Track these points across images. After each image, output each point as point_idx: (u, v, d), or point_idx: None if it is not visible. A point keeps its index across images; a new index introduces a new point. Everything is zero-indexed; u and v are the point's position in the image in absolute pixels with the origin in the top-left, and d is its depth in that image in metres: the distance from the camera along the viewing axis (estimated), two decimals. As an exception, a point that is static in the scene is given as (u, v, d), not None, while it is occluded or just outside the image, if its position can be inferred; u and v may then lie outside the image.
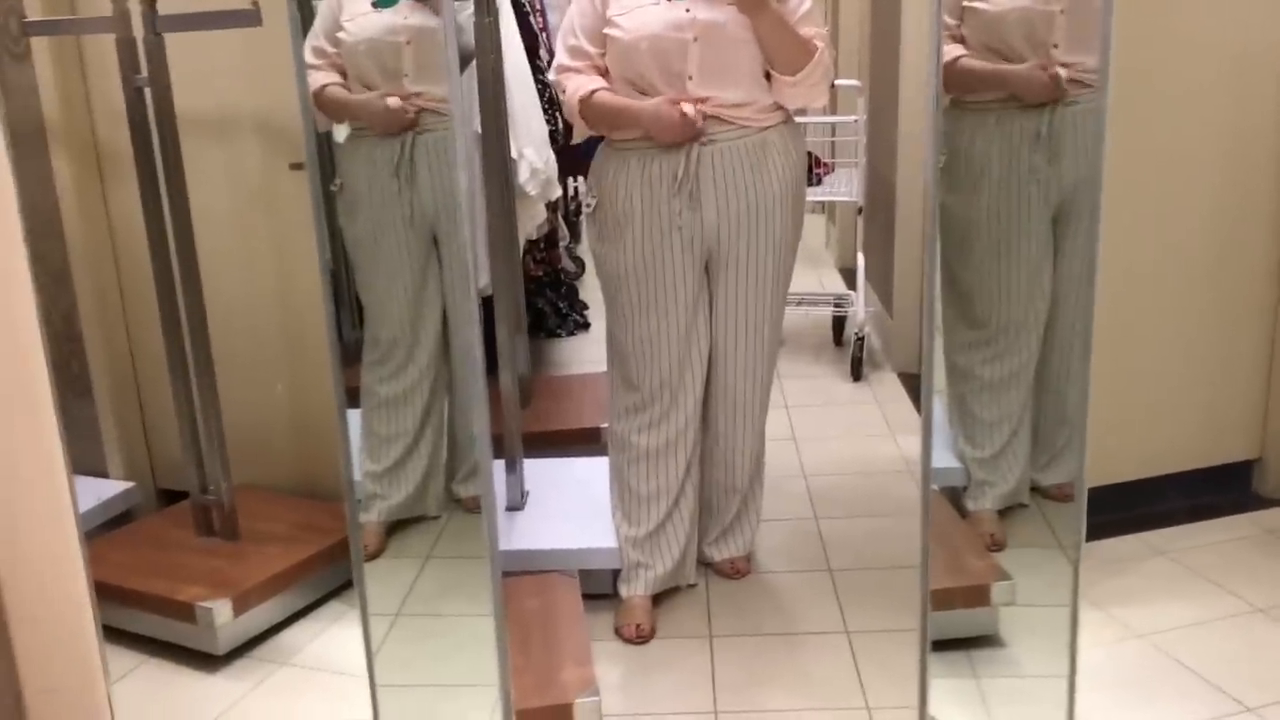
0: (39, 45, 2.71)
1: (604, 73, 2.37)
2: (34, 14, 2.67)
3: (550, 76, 2.54)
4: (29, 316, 1.35)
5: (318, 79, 2.35)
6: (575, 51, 2.39)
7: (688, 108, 2.25)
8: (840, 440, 3.54)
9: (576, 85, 2.36)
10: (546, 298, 4.69)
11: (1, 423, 1.29)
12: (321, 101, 2.36)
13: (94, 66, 2.79)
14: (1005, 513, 2.58)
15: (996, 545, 2.54)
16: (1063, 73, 2.24)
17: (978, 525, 2.56)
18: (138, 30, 2.44)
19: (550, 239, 4.56)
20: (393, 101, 2.31)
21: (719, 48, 2.27)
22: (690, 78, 2.27)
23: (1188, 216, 2.73)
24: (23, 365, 1.31)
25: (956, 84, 2.34)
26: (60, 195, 2.80)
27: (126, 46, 2.45)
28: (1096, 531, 2.65)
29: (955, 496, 2.59)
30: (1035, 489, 2.61)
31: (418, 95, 2.30)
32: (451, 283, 2.56)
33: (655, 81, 2.30)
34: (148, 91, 2.47)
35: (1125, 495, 2.79)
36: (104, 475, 2.96)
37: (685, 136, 2.29)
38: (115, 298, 2.94)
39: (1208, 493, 2.91)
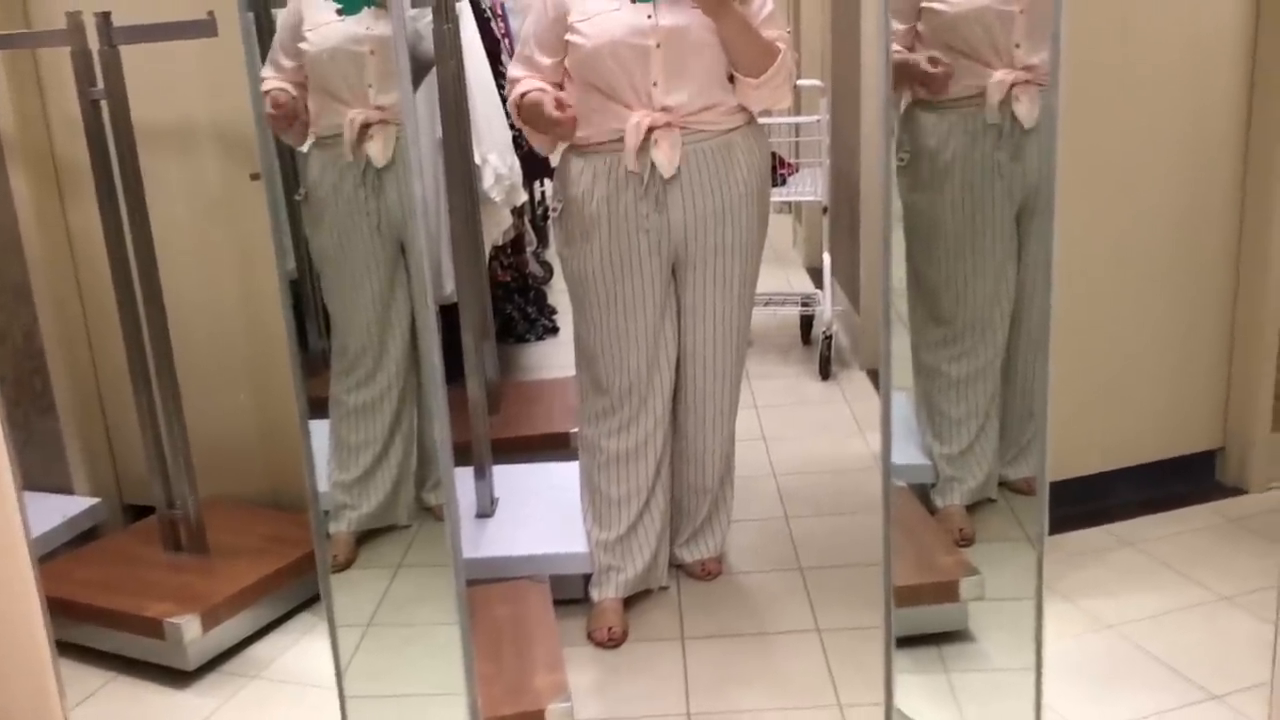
0: (-7, 57, 2.69)
1: (560, 81, 2.37)
2: (-13, 28, 2.65)
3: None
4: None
5: (267, 85, 2.33)
6: (525, 61, 2.40)
7: (552, 111, 2.27)
8: (810, 439, 3.55)
9: (514, 92, 2.38)
10: (514, 303, 4.68)
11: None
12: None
13: (50, 79, 2.76)
14: (973, 507, 2.60)
15: (965, 540, 2.55)
16: (1009, 77, 2.25)
17: (946, 521, 2.58)
18: (93, 42, 2.42)
19: (517, 244, 4.55)
20: (355, 124, 2.30)
21: (682, 52, 2.27)
22: (655, 84, 2.27)
23: (1146, 209, 2.76)
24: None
25: (901, 80, 2.36)
26: (18, 210, 2.78)
27: (82, 59, 2.43)
28: (1062, 524, 2.68)
29: (924, 493, 2.61)
30: (1003, 483, 2.63)
31: (380, 109, 2.29)
32: (415, 288, 2.56)
33: (620, 88, 2.29)
34: (105, 104, 2.45)
35: (1090, 487, 2.81)
36: (69, 492, 2.94)
37: (558, 137, 2.35)
38: (76, 312, 2.91)
39: (1172, 483, 2.93)
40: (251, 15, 2.04)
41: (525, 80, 2.39)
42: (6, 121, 2.73)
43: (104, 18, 2.40)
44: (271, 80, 2.32)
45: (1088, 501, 2.81)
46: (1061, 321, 1.86)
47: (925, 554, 2.46)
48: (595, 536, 2.56)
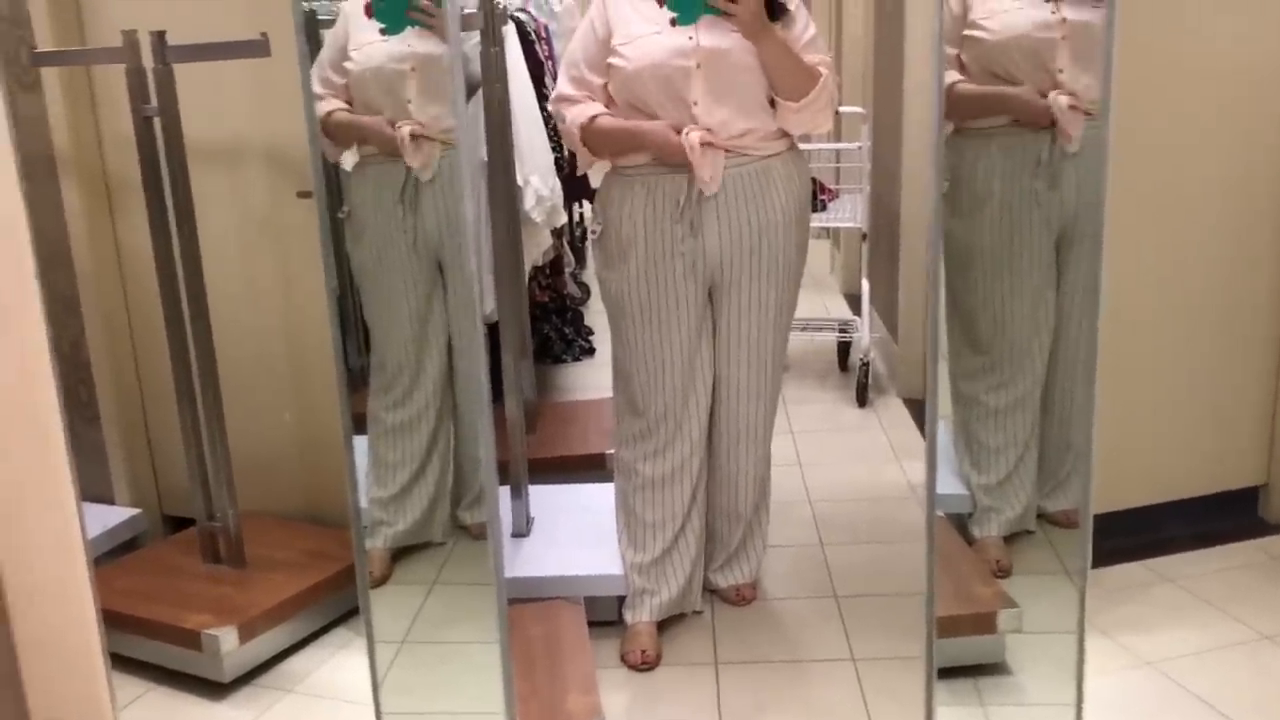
0: (49, 75, 2.74)
1: (607, 102, 2.39)
2: (44, 44, 2.70)
3: (550, 106, 2.55)
4: (40, 345, 1.35)
5: (324, 107, 2.38)
6: (577, 81, 2.40)
7: (692, 138, 2.26)
8: (846, 466, 3.54)
9: (577, 112, 2.38)
10: (552, 323, 4.70)
11: (12, 450, 1.30)
12: (328, 127, 2.39)
13: (103, 96, 2.81)
14: (1011, 539, 2.58)
15: (1003, 571, 2.53)
16: (1063, 100, 2.25)
17: (984, 551, 2.56)
18: (147, 61, 2.46)
19: (556, 265, 4.58)
20: (402, 132, 2.33)
21: (723, 74, 2.28)
22: (695, 103, 2.28)
23: (1192, 242, 2.73)
24: (33, 393, 1.32)
25: (955, 109, 2.36)
26: (69, 224, 2.83)
27: (136, 76, 2.47)
28: (1103, 558, 2.65)
29: (961, 523, 2.59)
30: (1041, 515, 2.61)
31: (422, 125, 2.32)
32: (457, 309, 2.58)
33: (660, 109, 2.31)
34: (157, 121, 2.49)
35: (1132, 521, 2.78)
36: (110, 502, 2.97)
37: (684, 160, 2.30)
38: (123, 325, 2.95)
39: (1214, 519, 2.90)
40: (304, 37, 2.08)
41: (582, 106, 2.38)
42: (61, 137, 2.78)
43: (159, 37, 2.44)
44: (326, 104, 2.37)
45: (1128, 535, 2.78)
46: (1104, 352, 1.84)
47: (962, 585, 2.44)
48: (630, 559, 2.56)
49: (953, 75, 2.34)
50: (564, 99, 2.42)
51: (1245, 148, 2.73)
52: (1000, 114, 2.36)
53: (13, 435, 1.28)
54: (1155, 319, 2.73)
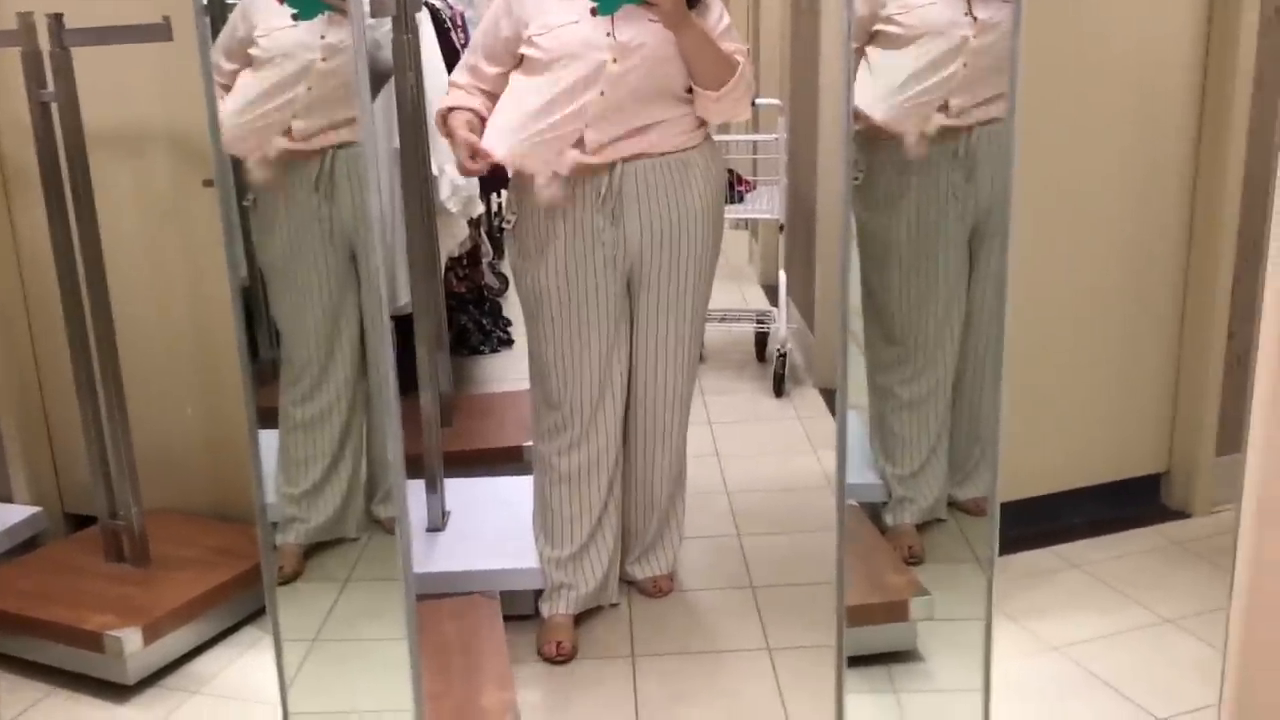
0: (-61, 57, 2.64)
1: (497, 93, 2.37)
2: (-65, 26, 2.60)
3: None
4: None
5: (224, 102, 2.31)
6: (471, 70, 2.40)
7: (466, 159, 2.28)
8: (763, 456, 3.56)
9: (442, 100, 2.40)
10: (470, 314, 4.66)
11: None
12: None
13: (-2, 79, 2.71)
14: (923, 527, 2.62)
15: (915, 557, 2.57)
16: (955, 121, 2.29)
17: (897, 540, 2.60)
18: (44, 44, 2.38)
19: (473, 255, 4.53)
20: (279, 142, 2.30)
21: (637, 68, 2.26)
22: (602, 93, 2.26)
23: (1095, 232, 2.79)
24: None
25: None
26: (-38, 212, 2.73)
27: (32, 60, 2.39)
28: (1011, 545, 2.70)
29: (875, 512, 2.62)
30: (952, 503, 2.65)
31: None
32: (369, 301, 2.54)
33: (562, 96, 2.28)
34: (54, 107, 2.41)
35: (1038, 509, 2.84)
36: (9, 500, 2.88)
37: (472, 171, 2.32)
38: (21, 316, 2.86)
39: (1118, 505, 2.97)
40: (208, 21, 2.02)
41: (459, 94, 2.39)
42: (-48, 122, 2.68)
43: (56, 19, 2.36)
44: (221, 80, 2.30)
45: (1035, 523, 2.84)
46: (1010, 343, 1.88)
47: (875, 573, 2.47)
48: (546, 554, 2.54)
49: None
50: (451, 84, 2.42)
51: (1147, 140, 2.79)
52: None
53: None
54: (1059, 309, 2.79)
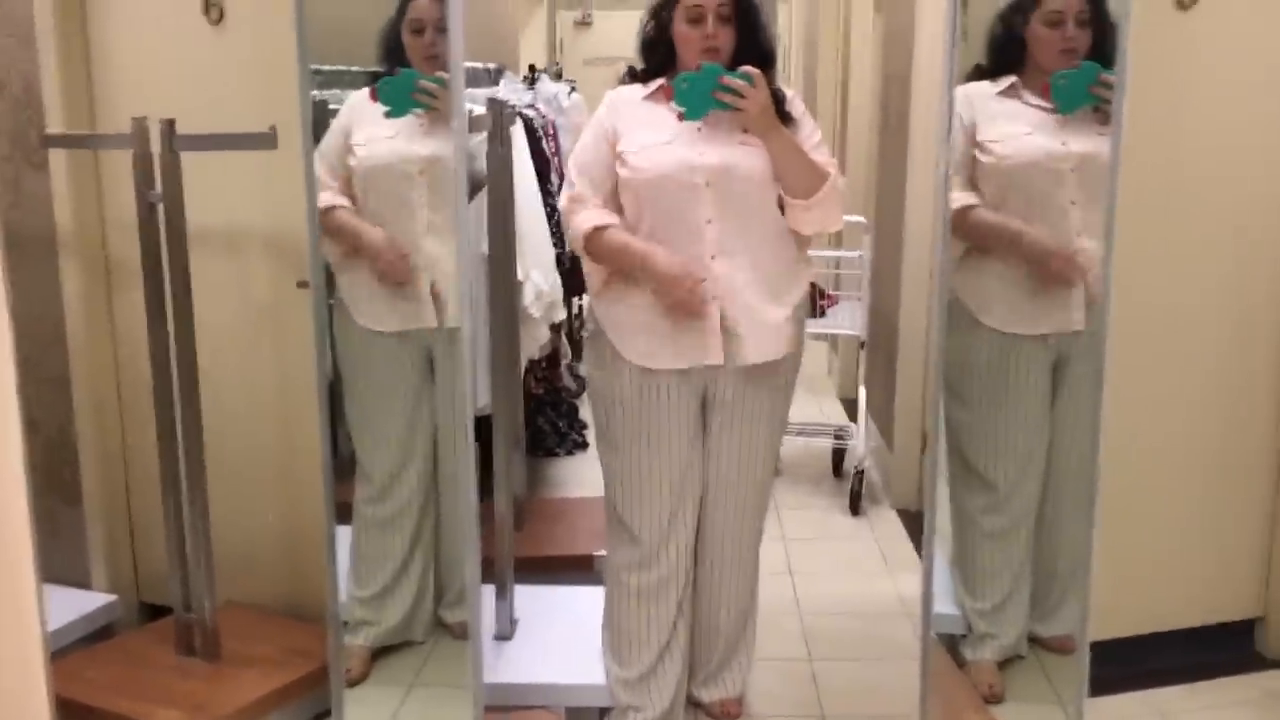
0: (56, 154, 2.75)
1: (615, 205, 2.38)
2: (55, 125, 2.72)
3: (560, 203, 2.54)
4: (10, 424, 1.30)
5: (325, 199, 2.38)
6: (588, 182, 2.39)
7: (704, 297, 2.27)
8: (837, 577, 3.49)
9: (582, 220, 2.36)
10: (546, 416, 4.67)
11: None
12: (328, 223, 2.39)
13: (109, 179, 2.82)
14: (1003, 664, 2.53)
15: (995, 697, 2.48)
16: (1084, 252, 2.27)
17: (976, 675, 2.52)
18: (155, 147, 2.47)
19: (552, 358, 4.56)
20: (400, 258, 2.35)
21: (732, 190, 2.28)
22: (709, 221, 2.27)
23: (1190, 369, 2.73)
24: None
25: (969, 234, 2.36)
26: (66, 304, 2.81)
27: (143, 163, 2.48)
28: (1096, 687, 2.58)
29: (953, 644, 2.54)
30: (1033, 639, 2.57)
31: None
32: (446, 404, 2.56)
33: (669, 220, 2.30)
34: (160, 207, 2.49)
35: (1125, 651, 2.73)
36: (87, 586, 2.91)
37: (686, 312, 2.29)
38: (114, 407, 2.92)
39: (1210, 651, 2.84)
40: (309, 132, 2.10)
41: (595, 211, 2.36)
42: (64, 218, 2.78)
43: (168, 125, 2.45)
44: (328, 194, 2.37)
45: (1120, 665, 2.72)
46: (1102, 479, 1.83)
47: (953, 710, 2.39)
48: (615, 674, 2.50)
49: (967, 197, 2.35)
50: (576, 200, 2.39)
51: (1243, 276, 2.74)
52: (1015, 254, 2.36)
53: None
54: (1152, 446, 2.71)
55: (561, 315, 3.77)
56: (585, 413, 4.87)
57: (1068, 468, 2.41)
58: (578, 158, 2.43)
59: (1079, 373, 2.36)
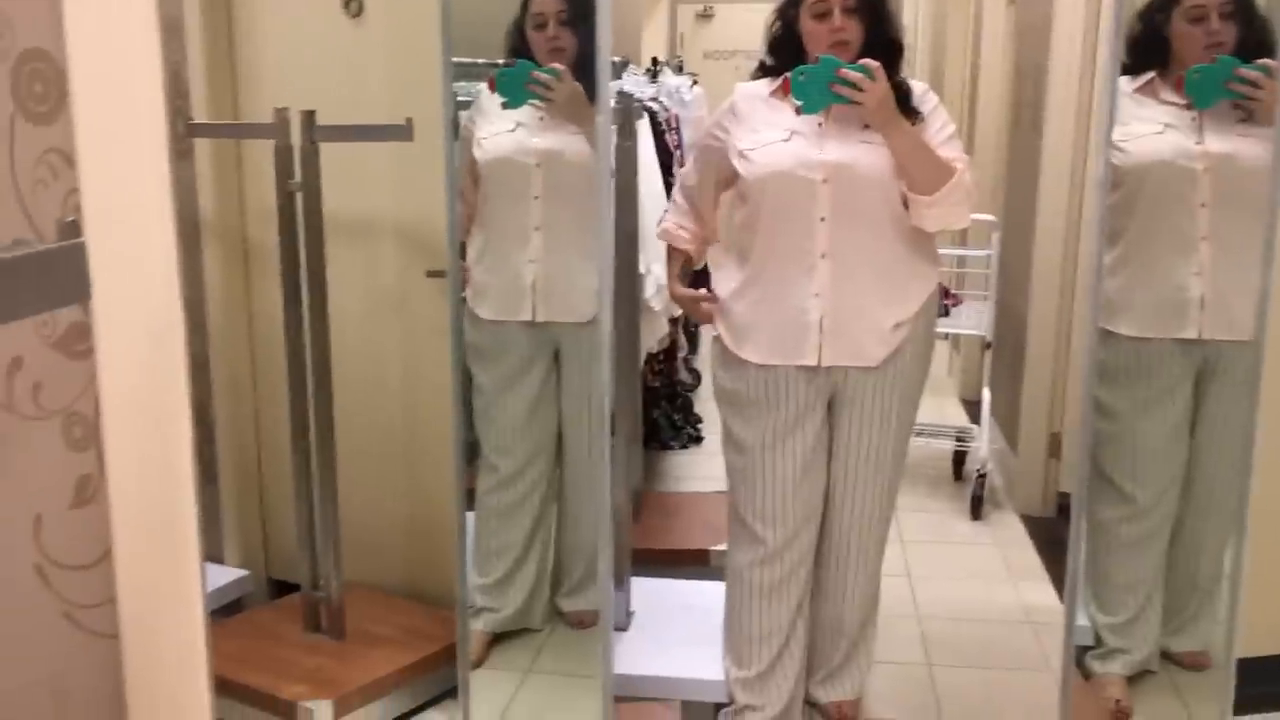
0: (200, 143, 2.85)
1: (708, 218, 2.50)
2: (200, 116, 2.81)
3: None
4: (182, 409, 1.37)
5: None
6: (685, 191, 2.52)
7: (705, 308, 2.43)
8: (957, 582, 3.42)
9: (667, 219, 2.55)
10: (662, 409, 4.68)
11: (143, 510, 1.31)
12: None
13: (250, 168, 2.91)
14: (1132, 679, 2.46)
15: (1123, 713, 2.41)
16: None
17: (1103, 690, 2.45)
18: (295, 138, 2.54)
19: (670, 350, 4.56)
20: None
21: (850, 188, 2.24)
22: (822, 219, 2.25)
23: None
24: (170, 455, 1.33)
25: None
26: (207, 289, 2.91)
27: (283, 153, 2.55)
28: (1234, 707, 2.49)
29: (1079, 656, 2.47)
30: (1164, 654, 2.48)
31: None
32: (572, 394, 2.58)
33: (784, 218, 2.28)
34: (299, 195, 2.56)
35: (1264, 670, 2.61)
36: (220, 561, 3.01)
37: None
38: (249, 389, 3.02)
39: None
40: (451, 128, 2.13)
41: (679, 215, 2.52)
42: (207, 205, 2.88)
43: (308, 116, 2.52)
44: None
45: (1260, 685, 2.61)
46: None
47: (1080, 725, 2.33)
48: (734, 674, 2.48)
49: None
50: (673, 207, 2.55)
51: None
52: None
53: (146, 498, 1.29)
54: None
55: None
56: (700, 406, 4.87)
57: (1214, 478, 2.32)
58: (687, 168, 2.53)
59: (1226, 381, 2.27)
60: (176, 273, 1.23)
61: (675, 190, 2.57)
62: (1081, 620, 2.47)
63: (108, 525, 1.19)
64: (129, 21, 1.15)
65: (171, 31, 2.77)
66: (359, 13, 2.73)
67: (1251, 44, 2.10)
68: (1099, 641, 2.46)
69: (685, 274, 2.55)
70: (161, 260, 1.21)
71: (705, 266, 2.82)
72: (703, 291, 2.45)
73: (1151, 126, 2.24)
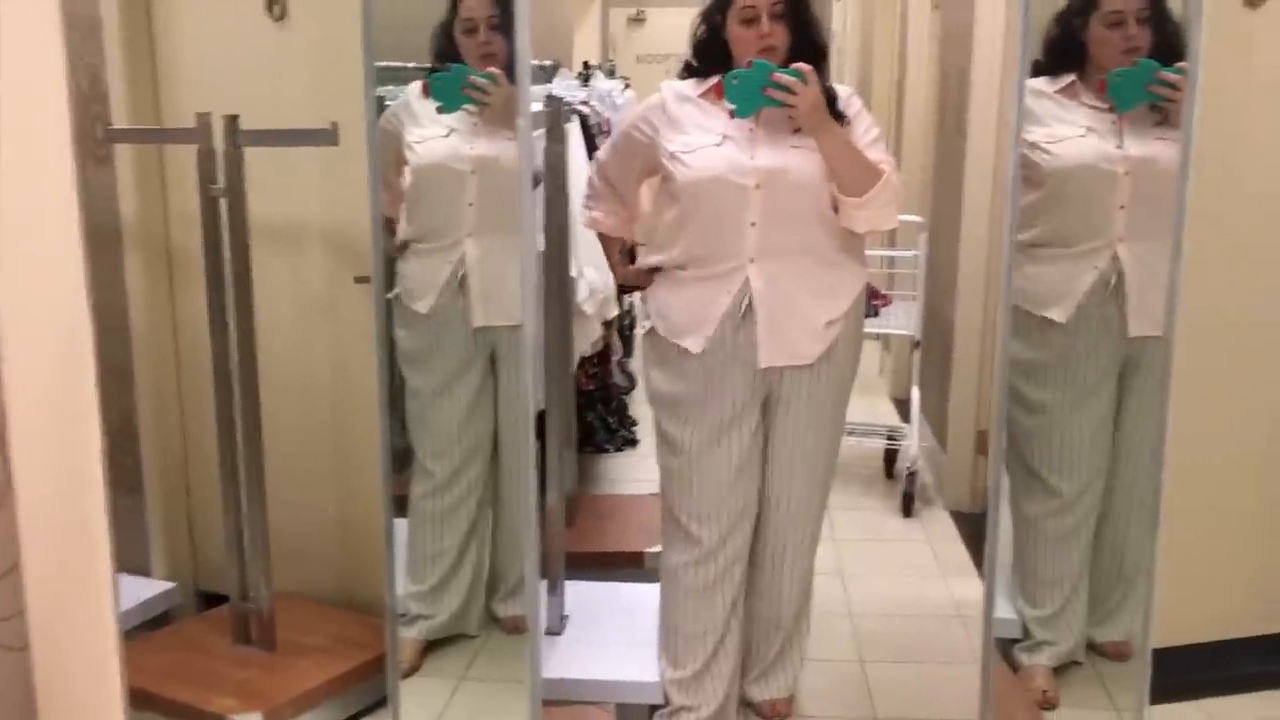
0: (121, 148, 2.79)
1: (629, 207, 2.55)
2: (120, 121, 2.76)
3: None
4: (89, 416, 1.35)
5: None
6: (606, 180, 2.55)
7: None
8: (888, 578, 3.46)
9: (591, 209, 2.60)
10: (596, 412, 4.68)
11: (52, 519, 1.28)
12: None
13: (173, 173, 2.86)
14: (1058, 669, 2.50)
15: (1049, 704, 2.46)
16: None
17: (1030, 681, 2.49)
18: (218, 143, 2.50)
19: (603, 354, 4.56)
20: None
21: (782, 193, 2.27)
22: (753, 224, 2.27)
23: (1258, 369, 2.67)
24: (80, 462, 1.31)
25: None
26: (129, 295, 2.85)
27: (206, 157, 2.52)
28: (1155, 695, 2.53)
29: (1005, 648, 2.51)
30: (1089, 645, 2.53)
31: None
32: (508, 398, 2.57)
33: (715, 221, 2.30)
34: (223, 201, 2.53)
35: (1185, 659, 2.68)
36: (146, 574, 2.95)
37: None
38: (174, 397, 2.97)
39: (1273, 659, 2.78)
40: (375, 129, 2.11)
41: (604, 204, 2.56)
42: (129, 210, 2.82)
43: (231, 120, 2.49)
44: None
45: (1179, 674, 2.67)
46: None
47: (1007, 716, 2.36)
48: (668, 675, 2.49)
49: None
50: (593, 194, 2.58)
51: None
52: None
53: (56, 507, 1.27)
54: (1220, 446, 2.66)
55: (614, 312, 3.77)
56: (635, 409, 4.88)
57: (1136, 471, 2.37)
58: (607, 150, 2.57)
59: (1148, 376, 2.32)
60: (84, 279, 1.20)
61: (592, 177, 2.59)
62: (1009, 613, 2.51)
63: (15, 536, 1.17)
64: (29, 24, 1.13)
65: (89, 32, 2.72)
66: (282, 16, 2.70)
67: (1165, 49, 2.15)
68: (1026, 634, 2.50)
69: (624, 256, 2.58)
70: (68, 267, 1.18)
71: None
72: (651, 259, 2.45)
73: (1074, 130, 2.29)
